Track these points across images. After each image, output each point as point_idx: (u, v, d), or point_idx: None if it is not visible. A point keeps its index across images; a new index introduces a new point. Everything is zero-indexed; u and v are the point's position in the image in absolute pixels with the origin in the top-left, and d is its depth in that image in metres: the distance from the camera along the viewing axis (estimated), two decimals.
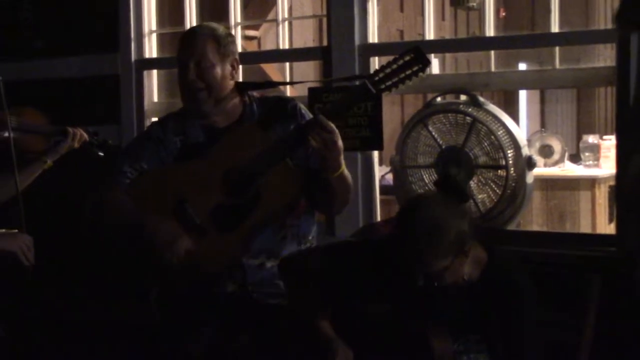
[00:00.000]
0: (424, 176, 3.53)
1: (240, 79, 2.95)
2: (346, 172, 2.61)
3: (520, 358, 2.32)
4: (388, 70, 2.48)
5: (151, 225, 2.61)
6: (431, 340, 2.33)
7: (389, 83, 2.48)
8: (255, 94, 2.85)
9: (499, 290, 2.33)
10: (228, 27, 4.09)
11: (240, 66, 2.75)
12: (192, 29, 2.83)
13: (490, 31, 3.52)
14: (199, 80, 2.67)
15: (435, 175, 3.48)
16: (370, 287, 2.45)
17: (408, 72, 2.48)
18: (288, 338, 2.60)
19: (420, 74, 2.48)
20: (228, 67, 2.72)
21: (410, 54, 2.48)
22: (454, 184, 2.39)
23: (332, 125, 2.47)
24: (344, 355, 2.39)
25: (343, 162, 2.56)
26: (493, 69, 3.55)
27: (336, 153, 2.50)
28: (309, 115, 2.76)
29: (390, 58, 2.50)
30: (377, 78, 2.48)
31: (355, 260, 2.51)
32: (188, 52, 2.68)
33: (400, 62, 2.48)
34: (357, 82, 2.59)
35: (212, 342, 2.67)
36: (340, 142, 2.49)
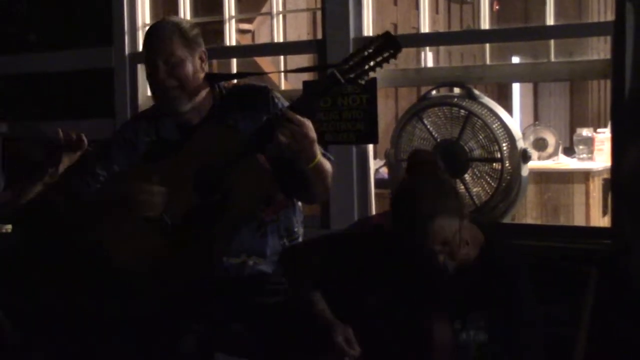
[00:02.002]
0: None
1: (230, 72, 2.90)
2: (322, 160, 2.54)
3: (520, 332, 2.35)
4: (357, 59, 2.43)
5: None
6: (432, 328, 2.34)
7: (359, 71, 2.42)
8: (226, 84, 2.76)
9: (498, 267, 2.37)
10: (221, 21, 4.09)
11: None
12: (156, 25, 2.70)
13: (485, 24, 3.51)
14: (170, 78, 2.58)
15: None
16: (371, 275, 2.46)
17: (379, 58, 2.43)
18: (278, 336, 2.59)
19: (392, 59, 2.43)
20: (197, 61, 2.63)
21: (379, 40, 2.43)
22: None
23: (300, 117, 2.40)
24: (343, 333, 2.39)
25: (318, 151, 2.50)
26: (488, 62, 3.55)
27: (307, 145, 2.44)
28: (283, 103, 2.68)
29: None
30: (346, 66, 2.42)
31: (355, 249, 2.52)
32: (155, 50, 2.59)
33: (371, 49, 2.43)
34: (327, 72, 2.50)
35: (199, 343, 2.65)
36: (311, 133, 2.42)
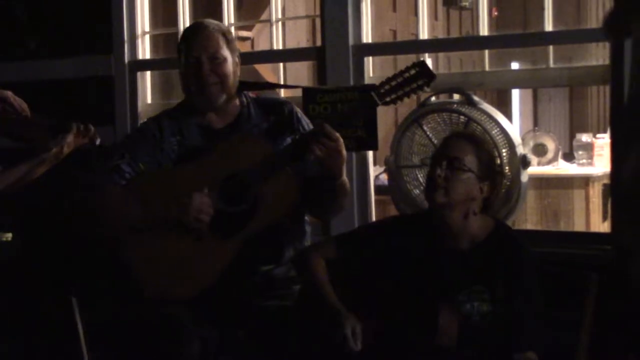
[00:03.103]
0: (419, 176, 3.53)
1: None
2: (346, 179, 2.64)
3: (522, 305, 2.44)
4: (394, 83, 2.55)
5: (157, 203, 2.56)
6: (439, 311, 2.41)
7: (394, 96, 2.55)
8: (251, 94, 2.83)
9: (506, 247, 2.50)
10: None
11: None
12: (200, 23, 2.78)
13: (484, 30, 3.52)
14: (213, 74, 2.65)
15: None
16: (379, 266, 2.54)
17: (413, 85, 2.55)
18: (287, 339, 2.61)
19: (426, 88, 2.56)
20: (235, 64, 2.72)
21: (416, 68, 2.55)
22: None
23: (337, 134, 2.49)
24: (353, 326, 2.42)
25: (344, 172, 2.59)
26: (487, 68, 3.55)
27: (340, 162, 2.54)
28: (304, 119, 2.76)
29: (394, 71, 2.59)
30: (382, 90, 2.55)
31: (368, 241, 2.60)
32: (201, 46, 2.66)
33: (406, 75, 2.55)
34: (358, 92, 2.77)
35: (209, 347, 2.66)
36: (344, 151, 2.53)
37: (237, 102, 2.76)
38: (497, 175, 2.63)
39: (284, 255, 2.73)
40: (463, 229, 2.52)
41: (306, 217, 2.85)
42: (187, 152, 2.69)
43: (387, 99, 2.55)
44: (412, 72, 2.55)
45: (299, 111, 2.80)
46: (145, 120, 2.85)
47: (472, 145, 2.53)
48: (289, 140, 2.70)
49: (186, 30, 2.78)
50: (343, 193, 2.67)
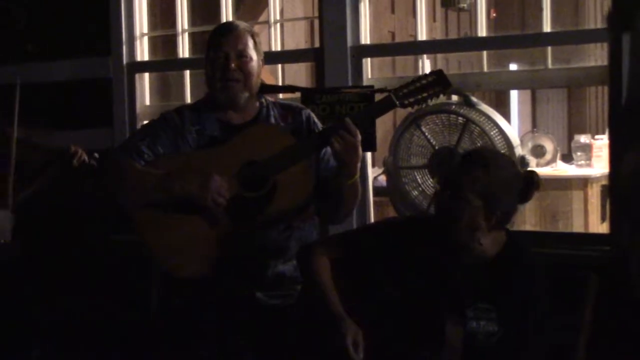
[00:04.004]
0: (417, 177, 3.53)
1: None
2: (358, 181, 2.70)
3: (530, 331, 2.39)
4: (412, 87, 2.63)
5: (177, 179, 2.62)
6: (445, 325, 2.39)
7: (412, 99, 2.63)
8: (270, 98, 2.91)
9: (517, 266, 2.44)
10: None
11: None
12: (231, 22, 2.90)
13: (482, 31, 3.52)
14: (238, 71, 2.72)
15: (429, 176, 3.48)
16: (386, 270, 2.52)
17: (430, 92, 2.64)
18: (290, 338, 2.62)
19: (442, 95, 2.66)
20: (259, 65, 2.79)
21: (433, 76, 2.64)
22: (533, 182, 2.48)
23: (357, 130, 2.57)
24: (354, 335, 2.42)
25: (358, 170, 2.65)
26: (485, 69, 3.55)
27: (356, 158, 2.61)
28: (319, 125, 2.86)
29: (413, 77, 2.66)
30: (401, 93, 2.63)
31: (373, 242, 2.58)
32: (230, 42, 2.73)
33: (424, 81, 2.64)
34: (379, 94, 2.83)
35: (217, 344, 2.68)
36: (360, 149, 2.60)
37: (257, 102, 2.84)
38: (512, 202, 2.45)
39: (292, 252, 2.76)
40: (472, 246, 2.43)
41: (317, 224, 2.90)
42: (206, 141, 2.76)
43: (406, 102, 2.63)
44: (430, 79, 2.64)
45: (314, 117, 2.89)
46: (166, 111, 2.92)
47: (482, 171, 2.38)
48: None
49: (216, 28, 2.85)
50: (354, 195, 2.72)
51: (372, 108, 2.82)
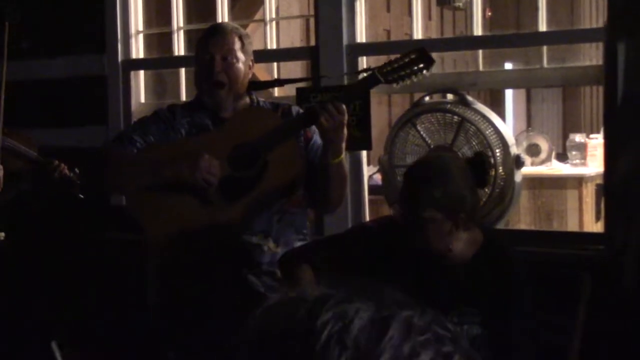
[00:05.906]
0: None
1: None
2: (344, 162, 2.71)
3: (513, 329, 2.37)
4: (395, 65, 2.66)
5: (168, 162, 2.65)
6: None
7: (395, 76, 2.65)
8: (262, 99, 2.94)
9: (496, 266, 2.39)
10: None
11: None
12: (219, 24, 2.93)
13: (477, 31, 3.52)
14: (222, 73, 2.74)
15: None
16: (368, 273, 2.48)
17: (414, 68, 2.66)
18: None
19: (425, 72, 2.67)
20: (248, 67, 2.80)
21: (416, 53, 2.67)
22: (483, 164, 2.47)
23: (344, 108, 2.59)
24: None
25: (344, 150, 2.66)
26: (481, 68, 3.55)
27: (342, 136, 2.61)
28: None
29: (391, 56, 2.70)
30: (385, 70, 2.66)
31: (355, 247, 2.57)
32: (216, 45, 2.75)
33: (407, 59, 2.66)
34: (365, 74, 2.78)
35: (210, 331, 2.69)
36: (345, 128, 2.62)
37: (247, 99, 2.86)
38: (472, 196, 2.38)
39: (285, 238, 2.79)
40: (447, 252, 2.39)
41: (307, 212, 2.95)
42: (197, 129, 2.80)
43: (390, 78, 2.65)
44: (413, 56, 2.66)
45: None
46: (158, 107, 2.95)
47: (428, 187, 2.33)
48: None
49: (205, 30, 2.89)
50: (341, 176, 2.72)
51: (358, 85, 2.87)
